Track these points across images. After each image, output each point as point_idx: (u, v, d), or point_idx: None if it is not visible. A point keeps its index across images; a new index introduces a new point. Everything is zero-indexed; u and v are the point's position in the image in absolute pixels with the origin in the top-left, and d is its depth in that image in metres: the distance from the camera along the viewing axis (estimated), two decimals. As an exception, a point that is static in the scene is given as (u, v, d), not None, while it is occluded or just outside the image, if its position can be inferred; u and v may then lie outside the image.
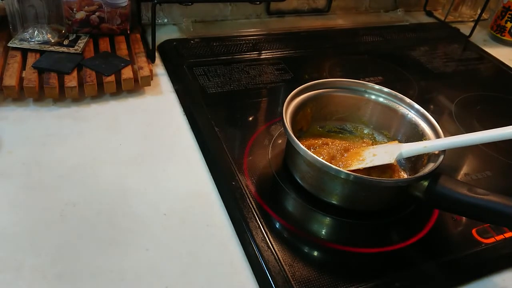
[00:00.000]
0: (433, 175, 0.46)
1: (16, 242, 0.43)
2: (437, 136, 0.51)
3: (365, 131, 0.59)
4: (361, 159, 0.51)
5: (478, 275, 0.46)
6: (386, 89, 0.57)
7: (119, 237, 0.45)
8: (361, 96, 0.58)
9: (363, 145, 0.56)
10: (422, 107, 0.55)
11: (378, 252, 0.47)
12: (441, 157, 0.48)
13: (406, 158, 0.54)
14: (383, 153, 0.51)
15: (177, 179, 0.52)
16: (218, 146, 0.57)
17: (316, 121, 0.59)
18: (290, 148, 0.52)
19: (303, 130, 0.57)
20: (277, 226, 0.48)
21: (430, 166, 0.47)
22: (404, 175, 0.54)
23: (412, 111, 0.56)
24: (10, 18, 0.65)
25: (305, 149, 0.46)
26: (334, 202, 0.49)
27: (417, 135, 0.54)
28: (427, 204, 0.48)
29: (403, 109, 0.56)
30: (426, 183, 0.46)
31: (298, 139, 0.48)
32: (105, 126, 0.58)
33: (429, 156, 0.49)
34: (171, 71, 0.71)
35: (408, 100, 0.56)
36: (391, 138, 0.58)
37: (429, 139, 0.52)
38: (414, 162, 0.53)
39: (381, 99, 0.58)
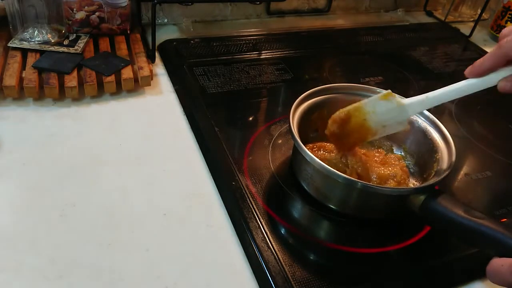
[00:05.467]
0: (432, 191, 0.45)
1: (16, 242, 0.43)
2: (447, 143, 0.51)
3: (384, 142, 0.58)
4: (373, 132, 0.49)
5: (478, 275, 0.46)
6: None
7: (119, 237, 0.45)
8: None
9: (373, 150, 0.55)
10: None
11: (378, 252, 0.47)
12: (441, 175, 0.47)
13: (417, 165, 0.54)
14: (392, 122, 0.48)
15: (177, 179, 0.52)
16: (218, 146, 0.57)
17: None
18: (296, 153, 0.51)
19: (318, 132, 0.56)
20: (277, 226, 0.48)
21: (432, 180, 0.47)
22: (412, 183, 0.53)
23: (421, 118, 0.55)
24: (10, 18, 0.65)
25: (312, 155, 0.46)
26: (333, 206, 0.49)
27: (426, 142, 0.53)
28: (422, 219, 0.47)
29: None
30: (422, 198, 0.45)
31: (308, 141, 0.47)
32: (105, 126, 0.58)
33: (436, 172, 0.49)
34: (171, 71, 0.71)
35: None
36: (408, 152, 0.56)
37: (438, 146, 0.51)
38: (425, 178, 0.52)
39: None
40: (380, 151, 0.56)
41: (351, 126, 0.49)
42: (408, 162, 0.55)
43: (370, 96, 0.57)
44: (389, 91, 0.49)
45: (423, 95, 0.48)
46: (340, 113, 0.50)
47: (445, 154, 0.50)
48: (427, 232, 0.49)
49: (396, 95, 0.49)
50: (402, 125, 0.48)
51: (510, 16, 0.96)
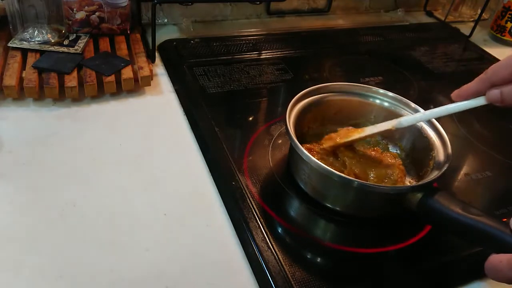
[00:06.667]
0: (430, 189, 0.45)
1: (16, 242, 0.43)
2: (442, 140, 0.51)
3: (380, 141, 0.58)
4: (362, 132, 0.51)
5: (478, 275, 0.46)
6: (390, 93, 0.56)
7: (119, 237, 0.45)
8: (367, 100, 0.57)
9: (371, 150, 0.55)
10: (422, 107, 0.55)
11: (378, 252, 0.47)
12: (437, 173, 0.47)
13: (413, 163, 0.54)
14: (384, 124, 0.51)
15: (177, 179, 0.52)
16: (218, 146, 0.57)
17: (330, 125, 0.58)
18: (293, 153, 0.52)
19: (310, 131, 0.57)
20: (277, 226, 0.48)
21: (429, 178, 0.47)
22: (409, 182, 0.53)
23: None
24: (10, 18, 0.65)
25: (308, 154, 0.46)
26: (332, 206, 0.49)
27: (422, 140, 0.53)
28: (419, 217, 0.47)
29: (407, 114, 0.55)
30: (419, 195, 0.45)
31: (305, 140, 0.47)
32: (105, 126, 0.58)
33: (432, 169, 0.49)
34: (171, 71, 0.71)
35: (413, 105, 0.55)
36: (403, 150, 0.57)
37: (434, 143, 0.51)
38: (421, 176, 0.52)
39: (386, 104, 0.57)
40: (376, 149, 0.56)
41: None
42: (404, 160, 0.55)
43: (367, 95, 0.57)
44: None
45: (419, 113, 0.52)
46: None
47: (440, 151, 0.50)
48: (427, 232, 0.49)
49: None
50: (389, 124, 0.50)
51: (510, 16, 0.96)
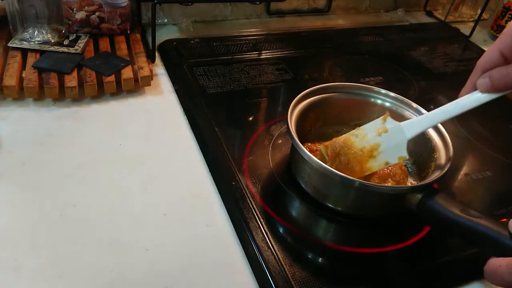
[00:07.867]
0: (430, 190, 0.45)
1: (16, 242, 0.43)
2: (444, 142, 0.51)
3: None
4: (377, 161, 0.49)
5: (477, 276, 0.46)
6: (392, 94, 0.56)
7: (119, 237, 0.45)
8: (369, 100, 0.57)
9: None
10: (422, 107, 0.55)
11: (378, 252, 0.47)
12: (438, 174, 0.47)
13: (415, 165, 0.54)
14: (392, 149, 0.49)
15: (177, 179, 0.52)
16: (218, 146, 0.57)
17: (333, 125, 0.58)
18: (294, 152, 0.52)
19: (312, 131, 0.57)
20: (277, 226, 0.48)
21: (429, 179, 0.47)
22: (410, 183, 0.53)
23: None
24: (10, 18, 0.65)
25: (310, 154, 0.46)
26: (332, 205, 0.49)
27: (425, 141, 0.53)
28: (419, 218, 0.47)
29: (409, 114, 0.56)
30: (419, 196, 0.45)
31: (306, 140, 0.46)
32: (105, 126, 0.58)
33: (433, 171, 0.49)
34: (171, 71, 0.71)
35: (415, 105, 0.55)
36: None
37: (436, 145, 0.51)
38: (423, 177, 0.52)
39: (388, 104, 0.57)
40: None
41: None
42: (407, 161, 0.55)
43: (369, 96, 0.57)
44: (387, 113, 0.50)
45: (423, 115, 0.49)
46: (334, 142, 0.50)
47: (442, 153, 0.50)
48: (427, 232, 0.49)
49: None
50: (401, 148, 0.47)
51: (510, 16, 0.96)
